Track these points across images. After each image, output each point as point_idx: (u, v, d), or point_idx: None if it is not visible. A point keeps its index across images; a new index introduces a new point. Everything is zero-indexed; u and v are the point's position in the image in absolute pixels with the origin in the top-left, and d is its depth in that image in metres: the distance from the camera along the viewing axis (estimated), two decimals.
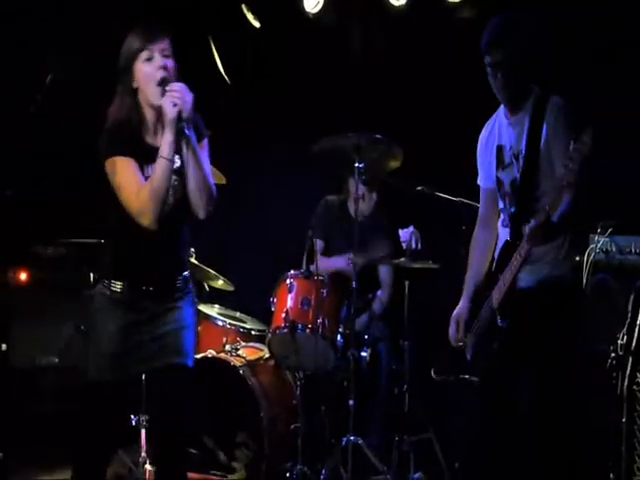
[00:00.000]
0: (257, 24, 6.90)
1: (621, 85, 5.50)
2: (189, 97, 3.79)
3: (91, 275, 5.97)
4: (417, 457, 5.44)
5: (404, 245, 5.68)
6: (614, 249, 4.75)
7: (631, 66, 5.52)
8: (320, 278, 5.57)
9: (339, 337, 5.49)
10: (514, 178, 4.20)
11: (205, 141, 3.98)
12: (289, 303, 5.56)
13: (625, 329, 4.29)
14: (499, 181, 4.29)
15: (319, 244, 6.24)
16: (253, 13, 6.89)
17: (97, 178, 3.88)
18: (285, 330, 5.49)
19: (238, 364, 5.59)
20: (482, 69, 4.25)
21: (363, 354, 5.65)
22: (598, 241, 4.74)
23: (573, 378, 4.10)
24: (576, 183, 3.67)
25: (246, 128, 6.87)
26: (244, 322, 6.26)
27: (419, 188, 5.71)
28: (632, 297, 4.32)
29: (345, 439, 5.28)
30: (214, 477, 5.51)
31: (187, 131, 3.81)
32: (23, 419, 5.98)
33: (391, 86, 6.49)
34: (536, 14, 5.31)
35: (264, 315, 5.97)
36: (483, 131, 4.46)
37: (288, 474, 5.37)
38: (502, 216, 4.32)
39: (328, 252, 6.20)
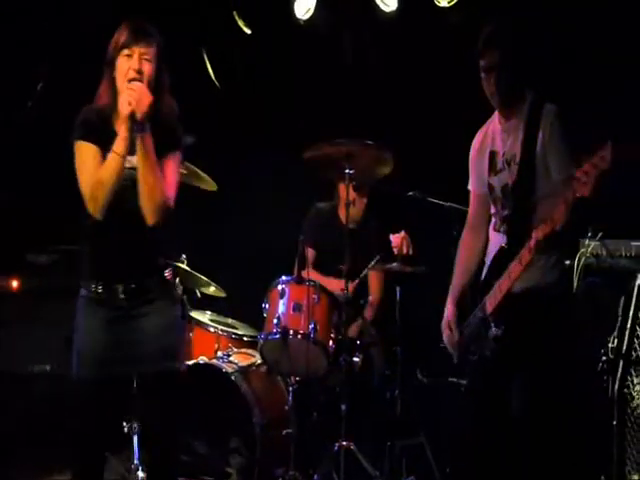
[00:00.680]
0: (248, 31, 6.91)
1: (611, 90, 5.51)
2: (146, 99, 3.80)
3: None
4: (409, 462, 5.45)
5: (395, 250, 5.68)
6: (604, 253, 4.75)
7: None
8: (312, 284, 5.57)
9: (331, 342, 5.50)
10: (505, 183, 4.21)
11: (177, 153, 4.00)
12: (281, 309, 5.56)
13: (616, 332, 4.30)
14: (490, 186, 4.30)
15: (311, 253, 6.25)
16: (244, 20, 6.89)
17: None
18: (277, 336, 5.49)
19: (230, 370, 5.59)
20: (473, 74, 4.26)
21: (355, 359, 5.65)
22: (588, 245, 4.74)
23: (564, 382, 4.10)
24: (589, 197, 3.69)
25: (237, 134, 6.87)
26: (236, 328, 6.26)
27: (410, 193, 5.72)
28: (622, 300, 4.33)
29: (337, 444, 5.27)
30: None
31: (138, 132, 3.82)
32: (14, 426, 5.97)
33: (382, 92, 6.50)
34: (532, 17, 5.33)
35: (256, 321, 5.98)
36: (476, 137, 4.47)
37: (280, 479, 5.37)
38: (494, 220, 4.33)
39: (319, 259, 6.19)
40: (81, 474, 4.06)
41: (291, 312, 5.55)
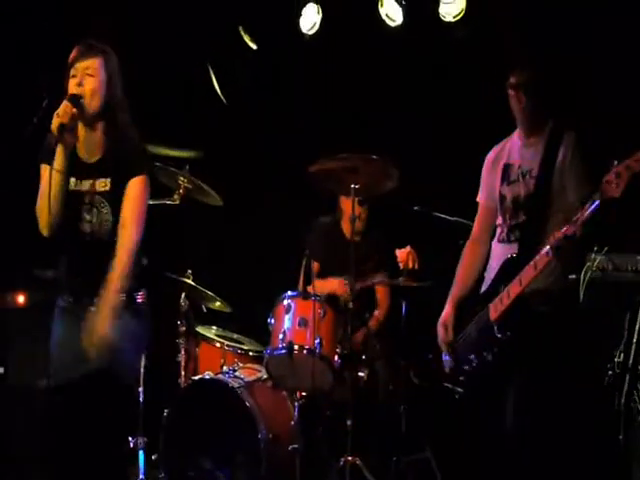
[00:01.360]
0: (254, 46, 6.92)
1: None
2: (67, 109, 3.90)
3: None
4: (415, 477, 5.43)
5: (401, 265, 5.67)
6: (610, 267, 4.75)
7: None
8: (317, 299, 5.57)
9: (336, 357, 5.49)
10: (518, 194, 4.27)
11: (141, 178, 4.05)
12: (286, 324, 5.56)
13: (622, 347, 4.29)
14: (502, 196, 4.33)
15: (315, 266, 6.25)
16: (250, 35, 6.91)
17: None
18: (283, 351, 5.48)
19: (236, 385, 5.57)
20: (478, 88, 4.28)
21: (360, 374, 5.64)
22: (594, 259, 4.74)
23: (570, 395, 4.09)
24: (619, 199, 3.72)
25: (242, 149, 6.87)
26: (242, 343, 6.25)
27: (416, 208, 5.72)
28: (628, 315, 4.33)
29: (343, 459, 5.28)
30: None
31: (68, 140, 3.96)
32: (20, 440, 5.96)
33: (387, 106, 6.50)
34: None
35: (262, 336, 5.97)
36: (492, 151, 4.55)
37: None
38: (499, 231, 4.35)
39: (323, 273, 6.19)
40: None
41: (297, 327, 5.55)
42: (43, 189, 3.98)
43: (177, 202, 5.87)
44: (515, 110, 4.27)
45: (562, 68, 4.56)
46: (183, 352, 5.99)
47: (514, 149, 4.36)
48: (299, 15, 6.64)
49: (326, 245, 6.19)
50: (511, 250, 4.22)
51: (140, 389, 5.64)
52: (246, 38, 6.90)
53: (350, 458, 5.26)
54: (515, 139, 4.39)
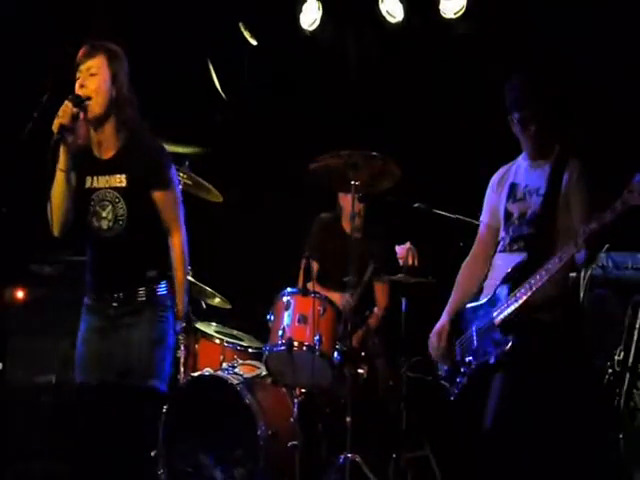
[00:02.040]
0: (254, 42, 6.91)
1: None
2: (66, 109, 3.92)
3: None
4: (414, 474, 5.43)
5: (401, 261, 5.66)
6: (611, 265, 4.76)
7: None
8: (317, 296, 5.57)
9: (336, 354, 5.49)
10: (524, 212, 4.28)
11: (171, 190, 4.17)
12: (286, 320, 5.55)
13: (622, 345, 4.30)
14: (508, 213, 4.36)
15: (315, 265, 6.25)
16: (250, 31, 6.90)
17: None
18: (282, 347, 5.47)
19: (235, 382, 5.56)
20: (478, 85, 4.28)
21: (360, 371, 5.64)
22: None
23: (570, 393, 4.09)
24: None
25: (243, 145, 6.87)
26: (241, 340, 6.24)
27: (416, 205, 5.70)
28: (629, 313, 4.33)
29: (342, 456, 5.26)
30: None
31: (69, 140, 3.98)
32: (19, 437, 5.96)
33: (388, 103, 6.50)
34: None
35: (261, 333, 5.97)
36: (496, 174, 4.57)
37: None
38: (501, 243, 4.36)
39: (324, 271, 6.18)
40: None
41: (296, 324, 5.54)
42: (52, 190, 4.01)
43: None
44: (522, 138, 4.32)
45: (566, 93, 4.58)
46: (182, 348, 5.97)
47: (520, 170, 4.41)
48: (299, 11, 6.64)
49: (326, 242, 6.18)
50: (512, 259, 4.24)
51: None
52: (246, 34, 6.90)
53: (350, 455, 5.24)
54: (521, 161, 4.44)
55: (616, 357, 4.31)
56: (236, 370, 5.75)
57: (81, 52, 4.05)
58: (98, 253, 4.12)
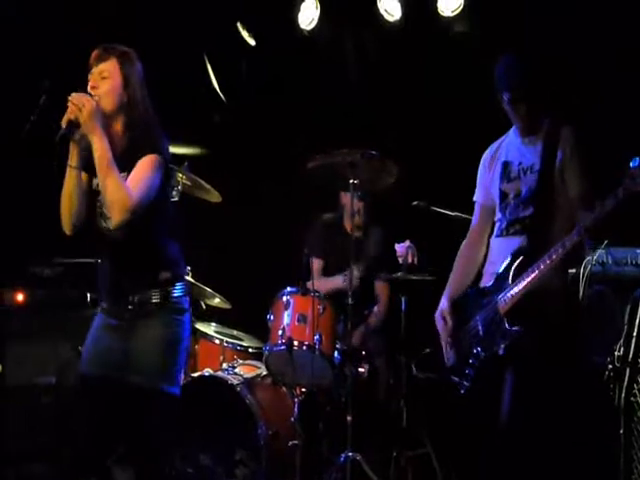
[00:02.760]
0: (252, 42, 6.91)
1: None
2: (87, 104, 3.88)
3: (88, 295, 6.00)
4: (416, 472, 5.42)
5: (400, 259, 5.66)
6: (610, 261, 4.74)
7: None
8: (316, 295, 5.56)
9: (336, 353, 5.48)
10: (519, 191, 4.24)
11: (149, 157, 3.96)
12: (286, 320, 5.55)
13: (622, 341, 4.28)
14: (503, 193, 4.32)
15: (318, 263, 6.27)
16: (248, 31, 6.90)
17: None
18: (282, 347, 5.47)
19: (235, 382, 5.56)
20: (476, 83, 4.28)
21: (360, 370, 5.64)
22: (594, 253, 4.73)
23: (570, 390, 4.08)
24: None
25: (241, 146, 6.86)
26: (241, 340, 6.24)
27: (415, 203, 5.70)
28: (628, 308, 4.32)
29: (343, 455, 5.26)
30: None
31: (77, 135, 3.93)
32: (19, 439, 5.95)
33: (386, 101, 6.50)
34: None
35: (261, 332, 5.97)
36: (488, 151, 4.54)
37: None
38: (497, 226, 4.34)
39: (327, 269, 6.19)
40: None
41: (296, 323, 5.54)
42: (64, 188, 4.00)
43: (176, 198, 5.86)
44: (512, 117, 4.29)
45: (556, 70, 4.56)
46: None
47: (512, 147, 4.36)
48: (297, 10, 6.64)
49: (329, 242, 6.19)
50: (510, 243, 4.22)
51: None
52: (244, 34, 6.89)
53: (350, 454, 5.24)
54: (512, 137, 4.39)
55: (616, 353, 4.29)
56: (236, 370, 5.75)
57: (94, 55, 4.03)
58: (108, 256, 4.09)
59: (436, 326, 4.52)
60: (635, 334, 4.19)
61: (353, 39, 6.72)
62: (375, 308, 6.09)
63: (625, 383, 4.14)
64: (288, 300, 5.59)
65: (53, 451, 5.76)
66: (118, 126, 4.05)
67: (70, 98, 3.89)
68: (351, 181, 5.42)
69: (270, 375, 5.70)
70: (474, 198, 4.57)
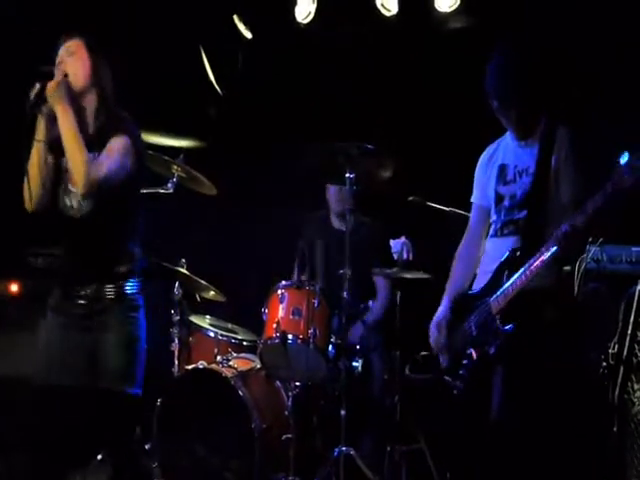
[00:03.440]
0: (249, 34, 6.90)
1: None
2: (53, 82, 3.90)
3: None
4: (409, 467, 5.42)
5: (395, 255, 5.65)
6: (605, 258, 4.75)
7: None
8: (311, 289, 5.57)
9: (331, 347, 5.49)
10: (514, 193, 4.24)
11: (119, 138, 3.96)
12: (280, 313, 5.55)
13: (616, 338, 4.29)
14: (498, 195, 4.31)
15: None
16: (245, 24, 6.89)
17: None
18: (276, 341, 5.48)
19: (229, 375, 5.57)
20: (472, 79, 4.27)
21: (355, 364, 5.63)
22: (589, 250, 4.74)
23: (564, 387, 4.09)
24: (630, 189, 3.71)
25: (237, 138, 6.86)
26: (236, 333, 6.24)
27: (410, 198, 5.70)
28: (623, 306, 4.33)
29: (337, 449, 5.26)
30: None
31: (44, 110, 3.92)
32: (14, 432, 5.94)
33: (382, 96, 6.49)
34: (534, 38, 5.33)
35: (256, 326, 5.97)
36: (485, 153, 4.51)
37: None
38: (493, 227, 4.33)
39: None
40: None
41: (290, 317, 5.54)
42: (29, 162, 3.95)
43: (171, 191, 5.86)
44: (504, 123, 4.27)
45: (554, 64, 4.52)
46: (177, 341, 5.98)
47: (508, 149, 4.34)
48: (294, 4, 6.63)
49: (319, 240, 6.15)
50: (504, 244, 4.21)
51: None
52: (241, 27, 6.88)
53: (344, 448, 5.25)
54: (508, 140, 4.36)
55: (610, 351, 4.30)
56: (230, 363, 5.75)
57: (61, 38, 4.06)
58: (66, 241, 4.05)
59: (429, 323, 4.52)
60: (629, 332, 4.20)
61: (349, 34, 6.70)
62: (371, 303, 6.06)
63: (619, 380, 4.16)
64: (283, 294, 5.59)
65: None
66: (89, 104, 4.04)
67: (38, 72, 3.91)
68: (347, 175, 5.42)
69: (264, 368, 5.70)
70: (471, 199, 4.57)
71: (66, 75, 3.97)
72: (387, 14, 6.46)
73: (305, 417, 5.63)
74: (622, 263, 4.74)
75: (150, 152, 5.83)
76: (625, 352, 4.21)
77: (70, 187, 3.95)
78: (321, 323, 5.51)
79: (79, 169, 3.82)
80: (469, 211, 4.64)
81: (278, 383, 5.73)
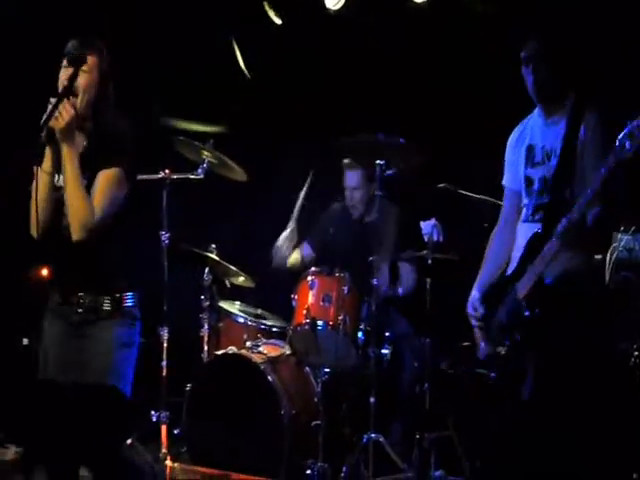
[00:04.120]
0: (278, 21, 6.90)
1: None
2: (65, 114, 3.74)
3: None
4: (438, 455, 5.41)
5: (426, 237, 5.61)
6: (637, 247, 4.72)
7: None
8: (341, 275, 5.57)
9: (360, 334, 5.49)
10: (543, 175, 4.17)
11: (112, 170, 3.85)
12: (310, 300, 5.57)
13: None
14: (528, 179, 4.26)
15: (307, 251, 6.28)
16: (275, 10, 6.88)
17: None
18: (306, 327, 5.50)
19: (259, 361, 5.58)
20: (504, 65, 4.24)
21: (384, 351, 5.63)
22: (621, 239, 4.71)
23: (595, 376, 4.06)
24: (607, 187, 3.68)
25: (267, 125, 6.85)
26: (265, 319, 6.24)
27: (441, 185, 5.67)
28: None
29: (366, 436, 5.28)
30: (234, 474, 5.49)
31: (53, 144, 3.80)
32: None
33: (412, 83, 6.47)
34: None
35: (284, 312, 5.98)
36: (513, 133, 4.44)
37: (309, 471, 5.35)
38: (524, 212, 4.29)
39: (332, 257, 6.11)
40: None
41: (320, 303, 5.55)
42: (37, 191, 3.84)
43: (201, 177, 5.87)
44: (530, 87, 4.17)
45: (576, 36, 4.46)
46: (206, 327, 6.00)
47: (536, 129, 4.27)
48: None
49: (336, 231, 6.11)
50: (534, 229, 4.18)
51: (163, 363, 5.65)
52: (271, 13, 6.87)
53: (373, 435, 5.27)
54: (536, 118, 4.29)
55: None
56: (260, 349, 5.76)
57: (72, 45, 3.89)
58: (62, 254, 3.96)
59: (463, 313, 4.50)
60: None
61: (380, 19, 6.67)
62: (400, 289, 6.04)
63: None
64: (313, 280, 5.60)
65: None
66: (88, 124, 3.92)
67: (51, 102, 3.76)
68: (377, 162, 5.42)
69: (294, 355, 5.71)
70: (503, 182, 4.52)
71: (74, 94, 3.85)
72: (417, 0, 6.43)
73: (334, 404, 5.63)
74: None
75: (181, 138, 5.88)
76: None
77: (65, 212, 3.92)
78: (351, 310, 5.52)
79: (76, 216, 3.78)
80: (500, 199, 4.60)
81: (307, 369, 5.74)
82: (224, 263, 5.99)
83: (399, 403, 5.75)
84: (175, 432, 5.67)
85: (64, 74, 3.86)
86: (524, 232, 4.26)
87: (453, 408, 5.70)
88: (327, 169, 6.14)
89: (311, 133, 6.57)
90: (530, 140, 4.28)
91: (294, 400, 5.51)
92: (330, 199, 6.37)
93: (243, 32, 7.00)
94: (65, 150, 3.77)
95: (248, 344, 5.85)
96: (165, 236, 5.69)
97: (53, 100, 3.76)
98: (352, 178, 6.10)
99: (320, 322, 5.47)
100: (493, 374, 4.29)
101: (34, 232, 3.90)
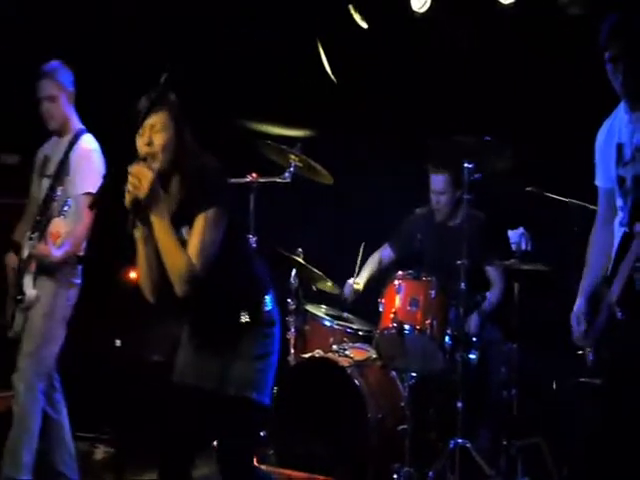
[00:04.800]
0: (364, 24, 6.89)
1: None
2: (145, 181, 3.69)
3: None
4: (525, 462, 5.37)
5: (514, 246, 5.57)
6: None
7: None
8: (428, 279, 5.55)
9: (447, 338, 5.47)
10: (636, 174, 4.06)
11: (208, 212, 3.78)
12: (397, 304, 5.55)
13: None
14: (620, 178, 4.16)
15: (387, 253, 6.26)
16: (360, 13, 6.89)
17: None
18: (393, 331, 5.49)
19: (346, 364, 5.60)
20: (593, 67, 4.17)
21: (472, 356, 5.60)
22: None
23: None
24: None
25: (353, 129, 6.85)
26: (351, 322, 6.25)
27: (529, 189, 5.62)
28: None
29: (453, 442, 5.27)
30: (319, 477, 5.51)
31: (142, 213, 3.75)
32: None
33: (500, 86, 6.42)
34: None
35: (370, 316, 5.98)
36: (601, 130, 4.33)
37: (395, 475, 5.36)
38: (621, 215, 4.19)
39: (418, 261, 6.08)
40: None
41: (407, 307, 5.54)
42: (138, 260, 3.90)
43: (288, 180, 5.91)
44: (616, 85, 4.08)
45: None
46: (293, 330, 6.03)
47: (623, 126, 4.13)
48: None
49: (421, 235, 6.06)
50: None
51: None
52: (356, 17, 6.88)
53: (460, 441, 5.25)
54: (621, 113, 4.16)
55: None
56: (346, 352, 5.77)
57: (142, 106, 3.83)
58: (187, 307, 3.99)
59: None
60: None
61: (467, 22, 6.63)
62: (489, 294, 5.97)
63: None
64: (400, 284, 5.59)
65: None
66: (174, 181, 3.89)
67: (130, 171, 3.71)
68: (465, 165, 5.40)
69: (380, 359, 5.71)
70: (596, 182, 4.43)
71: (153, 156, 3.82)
72: (504, 2, 6.38)
73: (421, 408, 5.62)
74: None
75: (268, 142, 5.93)
76: None
77: None
78: (438, 314, 5.50)
79: (177, 274, 3.76)
80: (589, 202, 4.53)
81: (394, 374, 5.74)
82: (309, 267, 6.01)
83: (486, 408, 5.70)
84: (262, 434, 5.70)
85: (140, 141, 3.82)
86: (619, 236, 4.18)
87: (542, 415, 5.65)
88: (411, 172, 6.13)
89: (397, 136, 6.56)
90: (619, 138, 4.16)
91: (380, 404, 5.51)
92: (413, 202, 6.34)
93: (329, 36, 7.02)
94: (155, 219, 3.73)
95: (334, 347, 5.87)
96: (252, 240, 5.74)
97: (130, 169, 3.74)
98: (438, 182, 6.06)
99: (407, 326, 5.46)
100: (597, 381, 4.21)
101: (149, 297, 3.93)
